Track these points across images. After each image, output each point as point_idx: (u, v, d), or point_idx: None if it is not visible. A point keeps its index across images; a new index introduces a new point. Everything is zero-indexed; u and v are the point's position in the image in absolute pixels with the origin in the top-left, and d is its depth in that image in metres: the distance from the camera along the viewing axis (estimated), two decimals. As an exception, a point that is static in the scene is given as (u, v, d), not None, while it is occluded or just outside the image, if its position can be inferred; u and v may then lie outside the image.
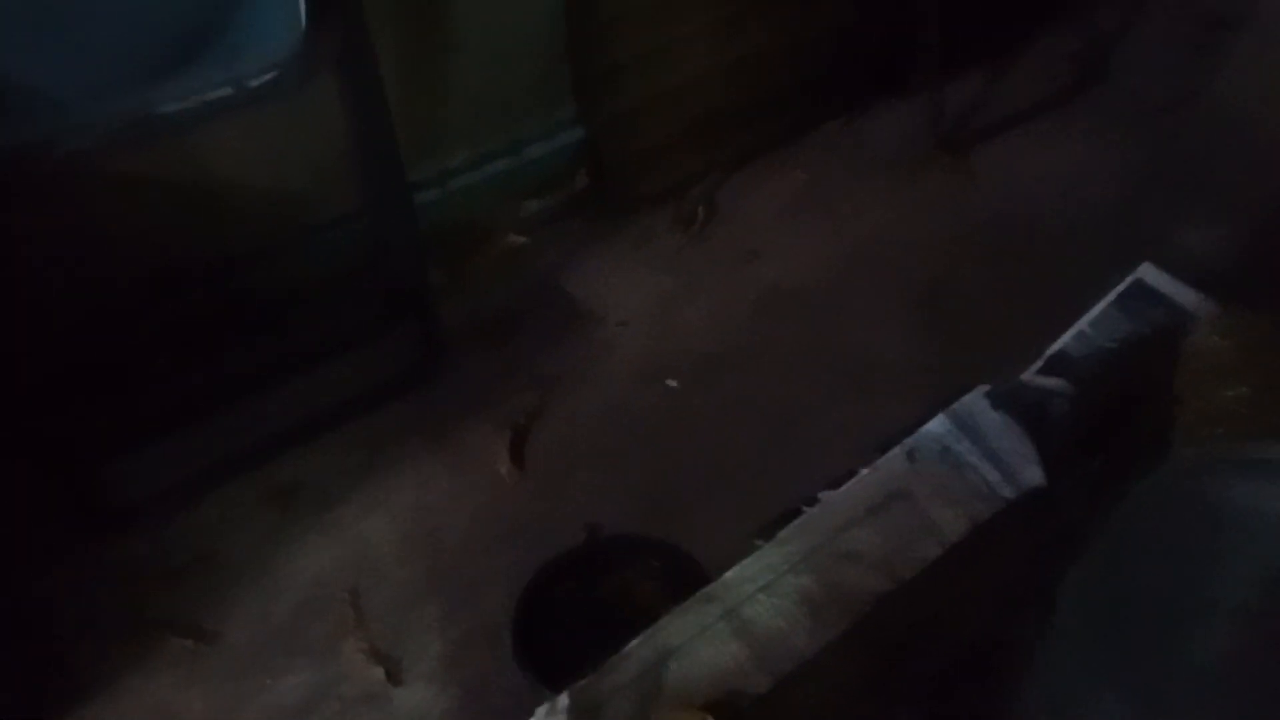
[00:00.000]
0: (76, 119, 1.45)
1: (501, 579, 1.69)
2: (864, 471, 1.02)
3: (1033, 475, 1.00)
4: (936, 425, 1.04)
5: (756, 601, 0.92)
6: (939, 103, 2.42)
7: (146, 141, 1.57)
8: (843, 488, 1.02)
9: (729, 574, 0.95)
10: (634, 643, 0.90)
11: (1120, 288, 1.15)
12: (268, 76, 1.49)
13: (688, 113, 2.28)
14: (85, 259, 1.70)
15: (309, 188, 1.87)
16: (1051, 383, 1.09)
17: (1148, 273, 1.16)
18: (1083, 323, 1.14)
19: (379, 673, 1.62)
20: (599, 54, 2.09)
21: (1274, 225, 1.14)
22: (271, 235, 1.85)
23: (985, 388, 1.07)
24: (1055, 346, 1.13)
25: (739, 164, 2.41)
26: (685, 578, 1.69)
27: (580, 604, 1.69)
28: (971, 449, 1.02)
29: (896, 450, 1.03)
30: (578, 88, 2.15)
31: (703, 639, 0.89)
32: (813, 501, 1.02)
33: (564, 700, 0.86)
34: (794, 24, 2.31)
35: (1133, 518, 0.74)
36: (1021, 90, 2.59)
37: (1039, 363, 1.13)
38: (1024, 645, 0.84)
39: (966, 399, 1.06)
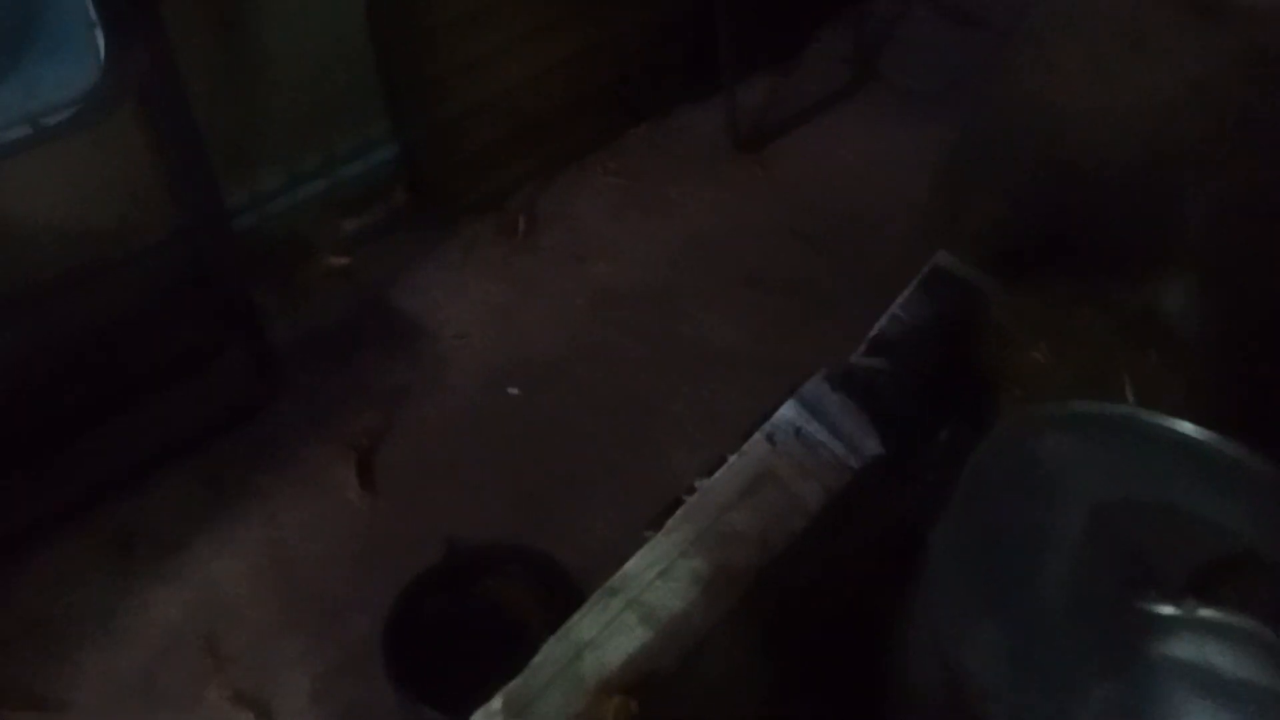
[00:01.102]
0: None
1: (364, 604, 1.68)
2: (733, 458, 1.12)
3: (873, 446, 1.13)
4: (788, 409, 1.16)
5: (655, 588, 1.00)
6: (734, 105, 2.59)
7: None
8: (716, 474, 1.11)
9: (628, 565, 1.02)
10: (550, 641, 0.96)
11: (922, 273, 1.32)
12: (67, 113, 1.42)
13: (502, 122, 2.33)
14: None
15: (119, 214, 1.77)
16: (876, 362, 1.23)
17: (944, 259, 1.33)
18: (894, 307, 1.30)
19: (248, 717, 1.58)
20: (412, 67, 2.10)
21: (1043, 202, 1.34)
22: (82, 267, 1.74)
23: (824, 371, 1.20)
24: (874, 330, 1.28)
25: (556, 170, 2.48)
26: (546, 578, 1.76)
27: (448, 618, 1.71)
28: (820, 428, 1.14)
29: (758, 435, 1.14)
30: (391, 103, 2.15)
31: (612, 629, 0.97)
32: (692, 490, 1.11)
33: (497, 702, 0.91)
34: (600, 34, 2.41)
35: (978, 474, 0.88)
36: (805, 90, 2.81)
37: (863, 345, 1.27)
38: (902, 595, 0.97)
39: (810, 383, 1.19)
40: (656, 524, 1.07)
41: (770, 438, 1.12)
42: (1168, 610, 0.81)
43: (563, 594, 1.73)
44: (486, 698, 0.96)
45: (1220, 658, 0.78)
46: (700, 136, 2.64)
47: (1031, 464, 0.87)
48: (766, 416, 1.15)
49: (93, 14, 1.41)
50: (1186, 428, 0.92)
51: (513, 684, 0.92)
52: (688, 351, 2.17)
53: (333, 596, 1.72)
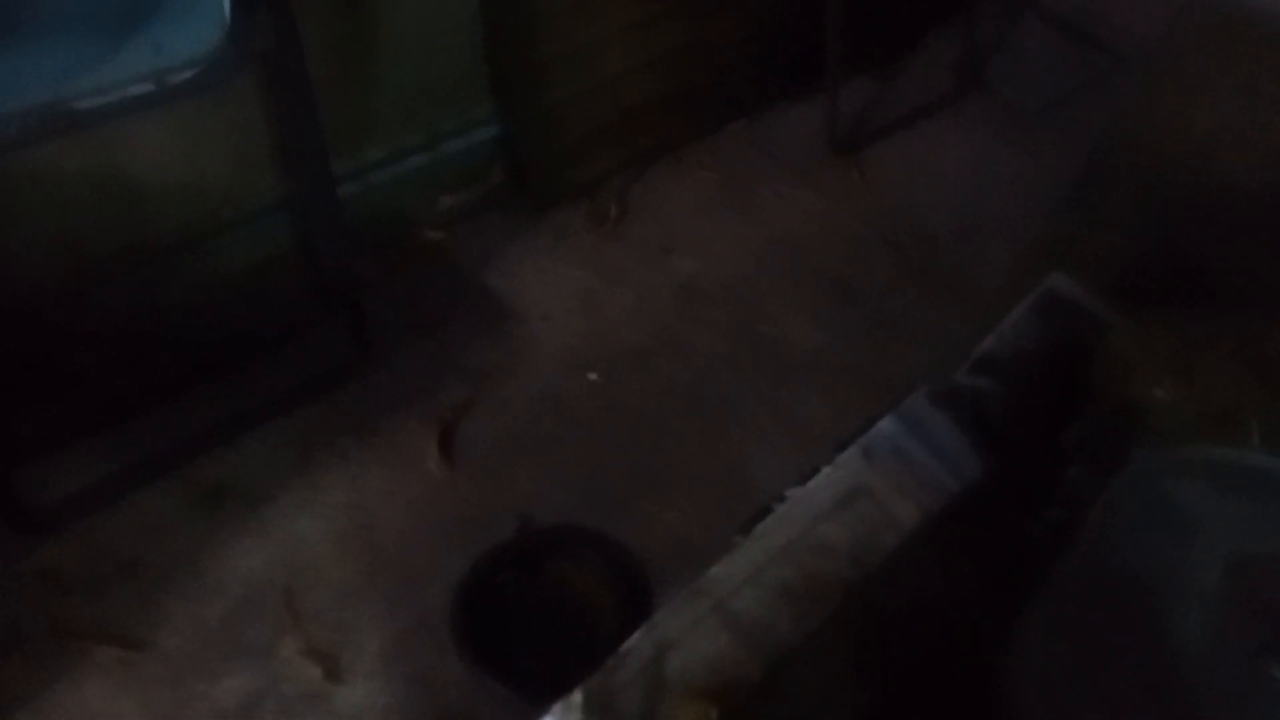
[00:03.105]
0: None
1: (438, 573, 1.72)
2: (826, 469, 1.11)
3: (975, 469, 1.11)
4: (887, 424, 1.14)
5: (743, 594, 0.99)
6: (836, 107, 2.55)
7: (62, 136, 1.50)
8: (809, 484, 1.10)
9: (715, 568, 1.01)
10: (634, 638, 0.96)
11: (1035, 294, 1.28)
12: (191, 73, 1.46)
13: (602, 111, 2.33)
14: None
15: (231, 179, 1.82)
16: (982, 383, 1.21)
17: (1059, 281, 1.29)
18: (1003, 326, 1.27)
19: (318, 671, 1.63)
20: (518, 52, 2.11)
21: (1177, 231, 1.29)
22: (193, 228, 1.80)
23: (927, 388, 1.17)
24: (980, 348, 1.25)
25: (651, 161, 2.47)
26: (616, 564, 1.77)
27: (517, 594, 1.74)
28: (919, 446, 1.12)
29: (854, 449, 1.12)
30: (496, 85, 2.17)
31: (697, 632, 0.96)
32: (782, 498, 1.10)
33: (577, 696, 0.91)
34: (705, 28, 2.39)
35: (1109, 514, 0.86)
36: (907, 96, 2.76)
37: (967, 363, 1.25)
38: (1002, 628, 0.95)
39: (911, 399, 1.16)
40: (745, 529, 1.07)
41: (867, 452, 1.11)
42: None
43: (631, 581, 1.75)
44: (566, 689, 0.96)
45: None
46: (798, 136, 2.61)
47: (1166, 509, 0.84)
48: (863, 429, 1.13)
49: (222, -23, 1.44)
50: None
51: (593, 679, 0.92)
52: (768, 352, 2.16)
53: (409, 563, 1.75)
